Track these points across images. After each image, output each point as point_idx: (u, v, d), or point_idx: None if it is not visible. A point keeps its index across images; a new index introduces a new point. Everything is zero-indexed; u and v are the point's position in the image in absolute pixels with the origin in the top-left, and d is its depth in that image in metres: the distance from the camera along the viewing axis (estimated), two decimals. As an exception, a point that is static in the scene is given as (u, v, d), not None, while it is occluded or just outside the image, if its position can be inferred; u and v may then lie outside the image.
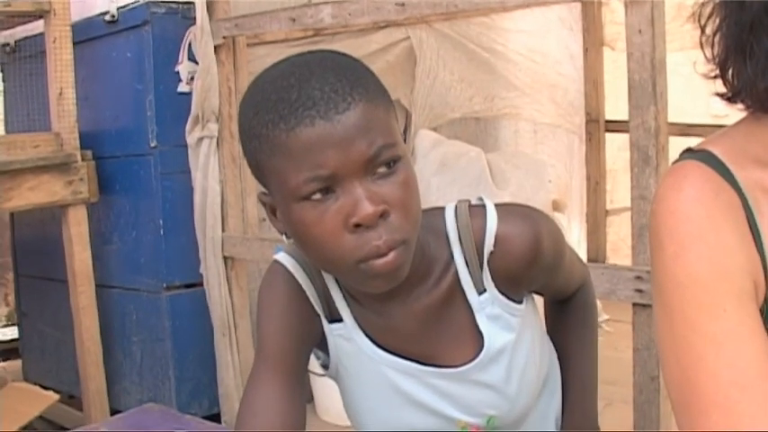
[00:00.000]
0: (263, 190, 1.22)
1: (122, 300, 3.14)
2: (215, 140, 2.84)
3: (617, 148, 4.62)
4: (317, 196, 1.13)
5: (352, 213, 1.13)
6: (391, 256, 1.15)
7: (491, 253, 1.31)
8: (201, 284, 2.95)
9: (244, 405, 1.30)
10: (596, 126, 4.60)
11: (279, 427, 1.26)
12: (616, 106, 4.38)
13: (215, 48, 2.79)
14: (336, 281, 1.32)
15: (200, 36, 2.76)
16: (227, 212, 2.88)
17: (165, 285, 3.00)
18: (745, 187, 1.01)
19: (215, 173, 2.84)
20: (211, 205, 2.83)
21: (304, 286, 1.32)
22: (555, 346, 1.55)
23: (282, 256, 1.33)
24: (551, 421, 1.49)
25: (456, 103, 3.94)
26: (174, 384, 3.00)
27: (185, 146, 2.92)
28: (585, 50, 4.50)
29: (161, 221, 2.97)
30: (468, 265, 1.33)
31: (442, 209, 1.35)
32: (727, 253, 0.98)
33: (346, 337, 1.36)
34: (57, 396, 3.13)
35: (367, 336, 1.35)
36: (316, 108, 1.11)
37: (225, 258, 2.86)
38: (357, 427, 1.44)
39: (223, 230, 2.87)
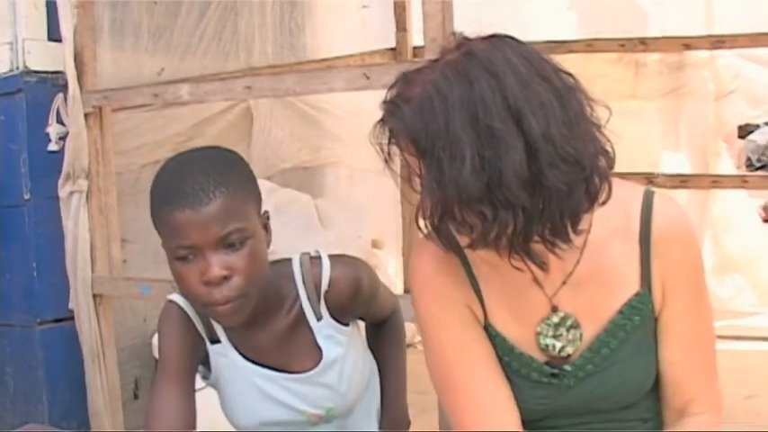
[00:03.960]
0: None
1: (-2, 335, 3.54)
2: (84, 194, 3.31)
3: (428, 189, 5.21)
4: (184, 258, 1.63)
5: (203, 274, 1.60)
6: (228, 306, 1.62)
7: (326, 291, 1.79)
8: (71, 319, 3.40)
9: (151, 406, 1.73)
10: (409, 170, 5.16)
11: (179, 422, 1.68)
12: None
13: (85, 115, 3.26)
14: None
15: (72, 105, 3.24)
16: (96, 256, 3.34)
17: (37, 320, 3.43)
18: (468, 253, 1.53)
19: (85, 222, 3.31)
20: (82, 250, 3.30)
21: (192, 317, 1.78)
22: (374, 358, 2.02)
23: (175, 296, 1.78)
24: (373, 412, 1.99)
25: (287, 155, 4.53)
26: (47, 408, 3.42)
27: (56, 198, 3.37)
28: (400, 105, 5.10)
29: (34, 264, 3.41)
30: (309, 300, 1.80)
31: (291, 259, 1.82)
32: (448, 293, 1.57)
33: (223, 354, 1.81)
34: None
35: (239, 352, 1.81)
36: (186, 200, 1.61)
37: (94, 296, 3.33)
38: (232, 422, 1.89)
39: (92, 271, 3.33)
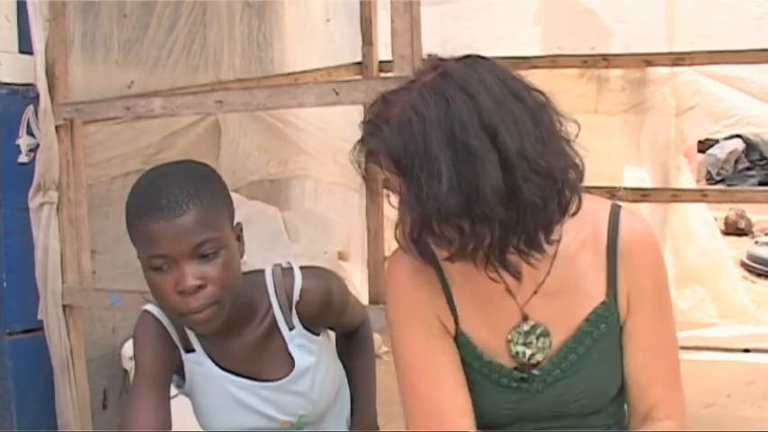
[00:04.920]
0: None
1: (-34, 345, 3.54)
2: (55, 206, 3.36)
3: (394, 202, 5.29)
4: (159, 268, 1.69)
5: (178, 284, 1.66)
6: (203, 314, 1.68)
7: (297, 302, 1.86)
8: (40, 329, 3.43)
9: (128, 415, 1.77)
10: (375, 183, 5.21)
11: (155, 426, 1.74)
12: (392, 166, 5.09)
13: (56, 127, 3.31)
14: None
15: (43, 117, 3.29)
16: (66, 267, 3.39)
17: (7, 331, 3.45)
18: (443, 263, 1.60)
19: (55, 233, 3.35)
20: (52, 261, 3.35)
21: (167, 327, 1.82)
22: (344, 366, 2.07)
23: (150, 307, 1.83)
24: (343, 420, 2.05)
25: (255, 168, 4.61)
26: (16, 418, 3.45)
27: (26, 209, 3.40)
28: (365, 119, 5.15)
29: (4, 275, 3.43)
30: (281, 310, 1.85)
31: (263, 270, 1.89)
32: (419, 303, 1.65)
33: (198, 362, 1.85)
34: None
35: (213, 361, 1.86)
36: (161, 212, 1.66)
37: (64, 307, 3.38)
38: (206, 429, 1.94)
39: (63, 282, 3.38)
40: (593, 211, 1.63)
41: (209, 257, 1.69)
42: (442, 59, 1.52)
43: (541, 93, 1.52)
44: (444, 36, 5.03)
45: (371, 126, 1.50)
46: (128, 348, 3.62)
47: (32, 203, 3.40)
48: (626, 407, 1.75)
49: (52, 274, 3.38)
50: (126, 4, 3.83)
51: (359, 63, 5.12)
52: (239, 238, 1.80)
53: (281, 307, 1.87)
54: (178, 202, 1.67)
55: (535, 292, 1.62)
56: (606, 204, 1.67)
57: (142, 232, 1.69)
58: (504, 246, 1.46)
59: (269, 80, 4.48)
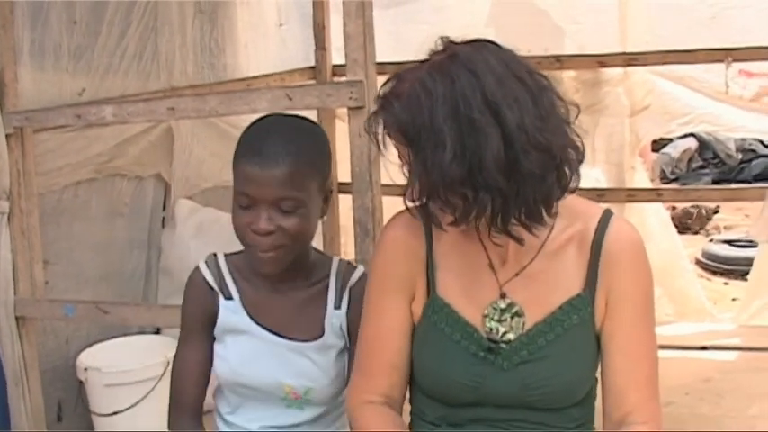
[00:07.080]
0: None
1: None
2: (6, 216, 3.35)
3: (349, 207, 5.33)
4: (243, 205, 1.87)
5: (253, 223, 1.86)
6: (269, 253, 1.88)
7: (353, 285, 2.02)
8: None
9: (178, 355, 2.07)
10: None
11: (198, 366, 2.03)
12: (348, 170, 5.12)
13: (6, 136, 3.31)
14: (230, 273, 2.04)
15: None
16: (18, 277, 3.38)
17: None
18: (436, 231, 1.77)
19: (7, 244, 3.35)
20: (4, 272, 3.35)
21: (208, 279, 2.02)
22: None
23: (201, 263, 2.05)
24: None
25: (209, 175, 4.64)
26: None
27: None
28: (320, 122, 5.08)
29: None
30: (336, 286, 2.03)
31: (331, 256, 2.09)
32: (396, 267, 1.82)
33: (233, 311, 2.02)
34: None
35: (247, 312, 2.01)
36: (258, 158, 1.85)
37: (17, 318, 3.37)
38: (216, 372, 2.07)
39: (15, 293, 3.37)
40: (585, 210, 1.78)
41: (287, 212, 1.88)
42: (453, 42, 1.68)
43: (544, 77, 1.66)
44: (397, 39, 5.07)
45: (384, 101, 1.66)
46: (82, 359, 3.64)
47: (-17, 214, 3.38)
48: (595, 413, 1.82)
49: (4, 284, 3.37)
50: (75, 10, 3.83)
51: (312, 68, 5.16)
52: (326, 200, 1.99)
53: (336, 282, 2.04)
54: (277, 155, 1.86)
55: (517, 275, 1.75)
56: (599, 208, 1.80)
57: (240, 170, 1.89)
58: (507, 215, 1.61)
59: (222, 86, 4.50)
